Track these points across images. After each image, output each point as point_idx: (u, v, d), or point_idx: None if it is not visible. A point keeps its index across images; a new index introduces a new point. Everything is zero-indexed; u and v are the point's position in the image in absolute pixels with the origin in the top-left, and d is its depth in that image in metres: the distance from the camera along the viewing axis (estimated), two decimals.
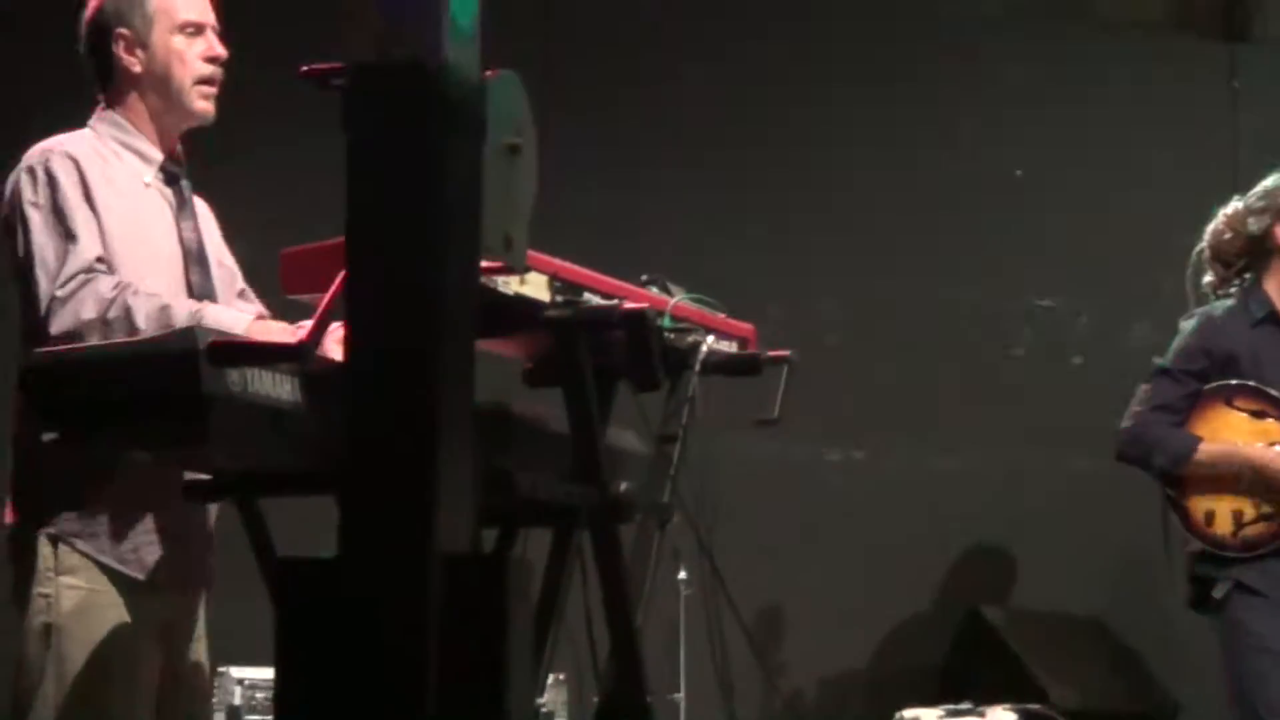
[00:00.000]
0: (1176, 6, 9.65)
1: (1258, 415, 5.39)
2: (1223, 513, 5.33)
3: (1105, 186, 8.49)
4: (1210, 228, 5.65)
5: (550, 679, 5.49)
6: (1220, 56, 8.91)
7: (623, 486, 3.49)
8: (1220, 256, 5.62)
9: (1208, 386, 5.43)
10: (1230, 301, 5.53)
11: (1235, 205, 5.63)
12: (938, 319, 8.14)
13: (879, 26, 8.30)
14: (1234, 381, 5.40)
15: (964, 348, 8.18)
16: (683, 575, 6.40)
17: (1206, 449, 5.35)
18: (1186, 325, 5.53)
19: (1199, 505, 5.36)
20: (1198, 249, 5.68)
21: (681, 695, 6.56)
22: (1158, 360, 5.53)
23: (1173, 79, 8.77)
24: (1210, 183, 8.07)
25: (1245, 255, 5.58)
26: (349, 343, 2.65)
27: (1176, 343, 5.52)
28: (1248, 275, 5.57)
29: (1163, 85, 8.74)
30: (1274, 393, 5.39)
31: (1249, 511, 5.31)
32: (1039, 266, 8.39)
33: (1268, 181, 5.60)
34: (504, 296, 3.38)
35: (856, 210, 8.10)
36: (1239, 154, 8.44)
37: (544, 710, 6.05)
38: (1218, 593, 5.32)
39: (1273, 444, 5.35)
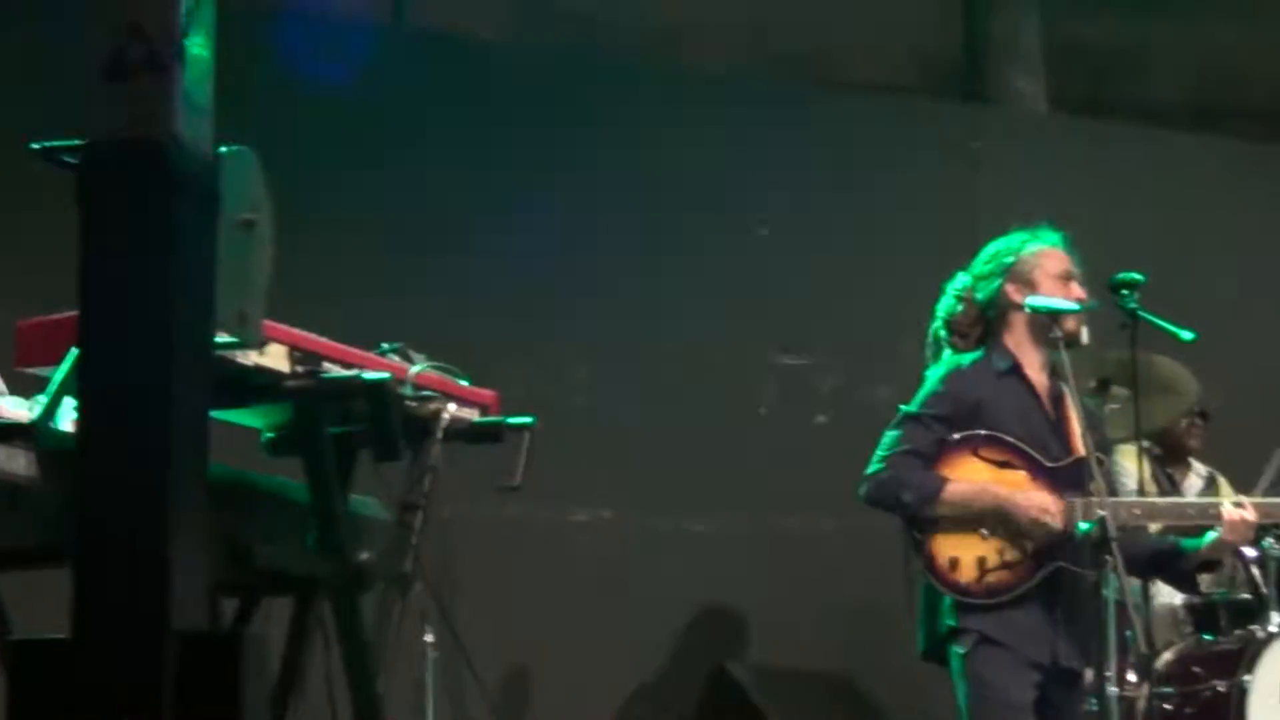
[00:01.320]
0: (920, 68, 9.87)
1: (1002, 465, 5.45)
2: (967, 559, 5.36)
3: (850, 246, 8.61)
4: (941, 306, 5.76)
5: None
6: (962, 117, 9.09)
7: (363, 556, 3.49)
8: (956, 330, 5.72)
9: (954, 436, 5.48)
10: (976, 353, 5.63)
11: (962, 280, 5.75)
12: (683, 379, 8.18)
13: (623, 82, 8.37)
14: (980, 432, 5.47)
15: (711, 407, 8.23)
16: (429, 638, 6.39)
17: (955, 487, 5.38)
18: (934, 373, 5.61)
19: (943, 551, 5.38)
20: (933, 329, 5.78)
21: None
22: (904, 407, 5.59)
23: (916, 139, 8.93)
24: (951, 242, 8.24)
25: (980, 324, 5.69)
26: (81, 418, 2.63)
27: (924, 389, 5.58)
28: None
29: (906, 146, 8.89)
30: (1020, 445, 5.47)
31: (992, 558, 5.35)
32: (785, 325, 8.47)
33: (991, 247, 5.73)
34: (243, 368, 3.37)
35: (602, 271, 8.14)
36: (978, 214, 8.62)
37: None
38: (961, 647, 5.38)
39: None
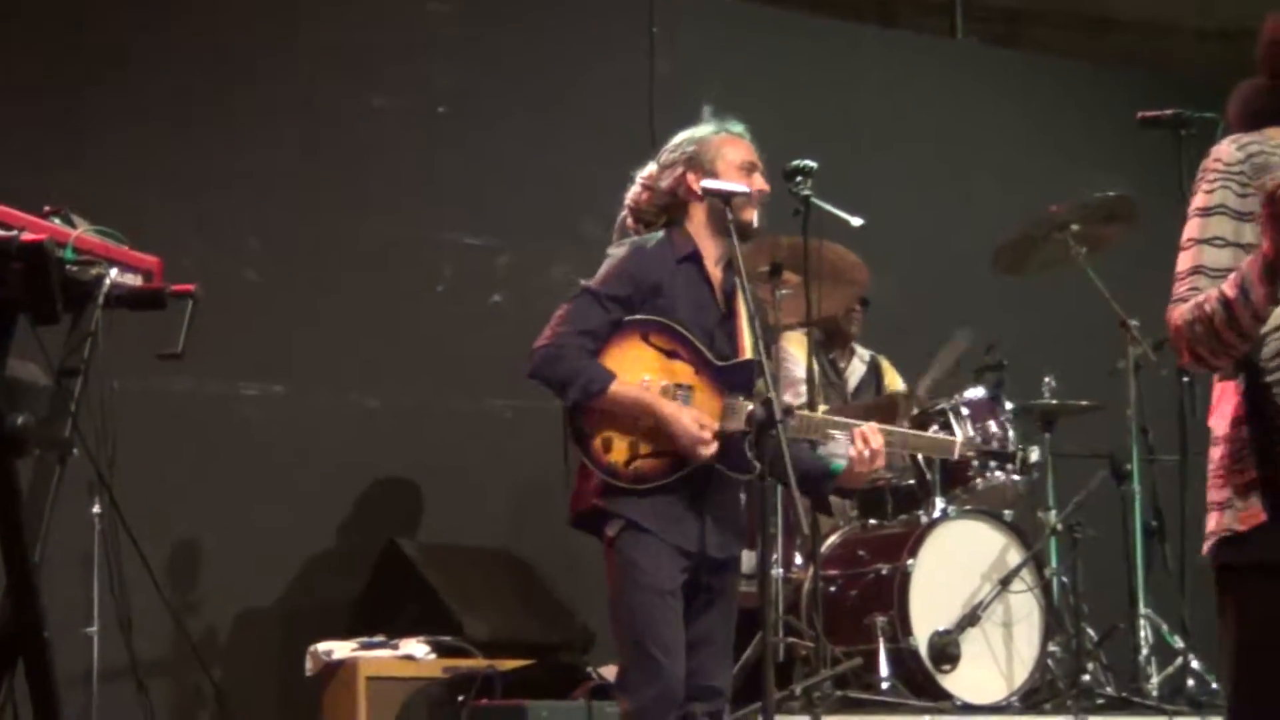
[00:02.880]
0: None
1: (669, 354, 5.44)
2: (620, 443, 5.36)
3: (530, 127, 8.60)
4: (628, 194, 5.75)
5: None
6: (641, 2, 9.10)
7: (19, 419, 3.39)
8: (641, 218, 5.71)
9: (628, 319, 5.48)
10: (660, 234, 5.62)
11: (649, 167, 5.74)
12: (360, 255, 8.12)
13: None
14: (653, 319, 5.46)
15: (386, 283, 8.18)
16: (96, 509, 6.29)
17: (617, 390, 5.34)
18: (616, 251, 5.58)
19: (599, 429, 5.36)
20: (621, 216, 5.77)
21: (95, 629, 6.45)
22: (584, 281, 5.55)
23: (597, 23, 8.92)
24: (629, 125, 8.31)
25: (664, 211, 5.69)
26: None
27: (604, 267, 5.52)
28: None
29: (587, 28, 8.88)
30: (689, 336, 5.48)
31: (644, 445, 5.36)
32: (462, 205, 8.44)
33: (677, 137, 5.73)
34: None
35: (278, 146, 8.03)
36: (656, 99, 8.67)
37: None
38: (610, 529, 5.38)
39: (680, 384, 5.44)
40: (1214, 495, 3.81)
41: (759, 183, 5.60)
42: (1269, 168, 3.80)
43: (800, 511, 5.34)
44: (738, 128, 5.70)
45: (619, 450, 5.36)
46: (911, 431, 6.20)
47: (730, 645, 5.57)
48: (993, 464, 7.12)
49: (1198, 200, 3.84)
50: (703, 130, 5.68)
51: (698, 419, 5.34)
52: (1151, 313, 7.16)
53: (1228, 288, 3.62)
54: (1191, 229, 3.82)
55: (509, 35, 8.65)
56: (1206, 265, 3.76)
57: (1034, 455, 7.16)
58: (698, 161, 5.60)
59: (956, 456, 5.88)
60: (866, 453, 5.46)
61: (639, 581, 5.31)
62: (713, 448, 5.32)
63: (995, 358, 7.43)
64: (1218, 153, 3.86)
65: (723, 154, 5.61)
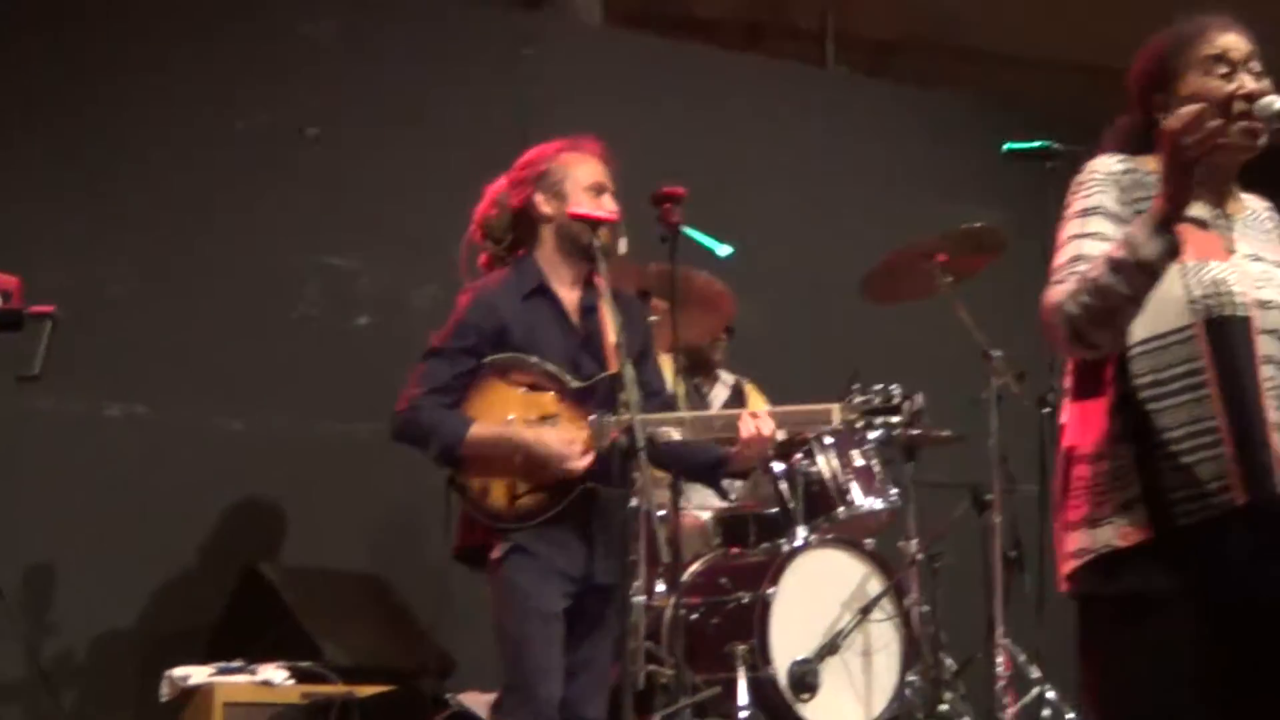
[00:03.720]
0: None
1: (532, 388, 5.47)
2: (498, 487, 5.39)
3: (399, 149, 8.56)
4: (481, 208, 5.75)
5: None
6: (515, 24, 9.09)
7: None
8: (491, 234, 5.72)
9: (484, 361, 5.48)
10: (504, 273, 5.63)
11: (500, 181, 5.74)
12: (227, 275, 8.06)
13: None
14: (506, 356, 5.48)
15: (254, 305, 8.12)
16: None
17: (478, 433, 5.39)
18: (461, 301, 5.60)
19: (476, 479, 5.41)
20: (469, 232, 5.76)
21: None
22: (432, 338, 5.56)
23: (470, 44, 8.91)
24: (500, 148, 8.25)
25: (513, 230, 5.70)
26: None
27: (451, 320, 5.57)
28: (520, 250, 5.70)
29: (460, 50, 8.86)
30: (546, 366, 5.49)
31: (522, 484, 5.39)
32: (331, 227, 8.39)
33: (528, 154, 5.73)
34: None
35: (144, 166, 7.96)
36: (528, 122, 8.65)
37: None
38: (496, 551, 5.40)
39: (546, 416, 5.45)
40: (1081, 513, 3.83)
41: (608, 204, 5.62)
42: (1142, 185, 3.87)
43: (661, 540, 5.35)
44: (589, 147, 5.70)
45: (499, 493, 5.40)
46: (787, 408, 6.17)
47: (608, 674, 5.59)
48: (878, 420, 7.06)
49: (1074, 205, 3.91)
50: (551, 149, 5.68)
51: (564, 436, 5.35)
52: (1015, 344, 7.27)
53: (1114, 250, 3.69)
54: (1070, 228, 3.88)
55: (379, 57, 8.62)
56: (1086, 254, 3.81)
57: (919, 401, 7.17)
58: (547, 182, 5.61)
59: (838, 424, 5.86)
60: (754, 429, 5.49)
61: (520, 604, 5.34)
62: (586, 459, 5.34)
63: (859, 386, 7.44)
64: (1094, 164, 3.95)
65: (572, 174, 5.63)
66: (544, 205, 5.60)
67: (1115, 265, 3.67)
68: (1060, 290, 3.77)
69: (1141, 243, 3.65)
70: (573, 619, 5.45)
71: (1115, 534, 3.77)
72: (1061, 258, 3.85)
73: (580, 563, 5.41)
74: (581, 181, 5.61)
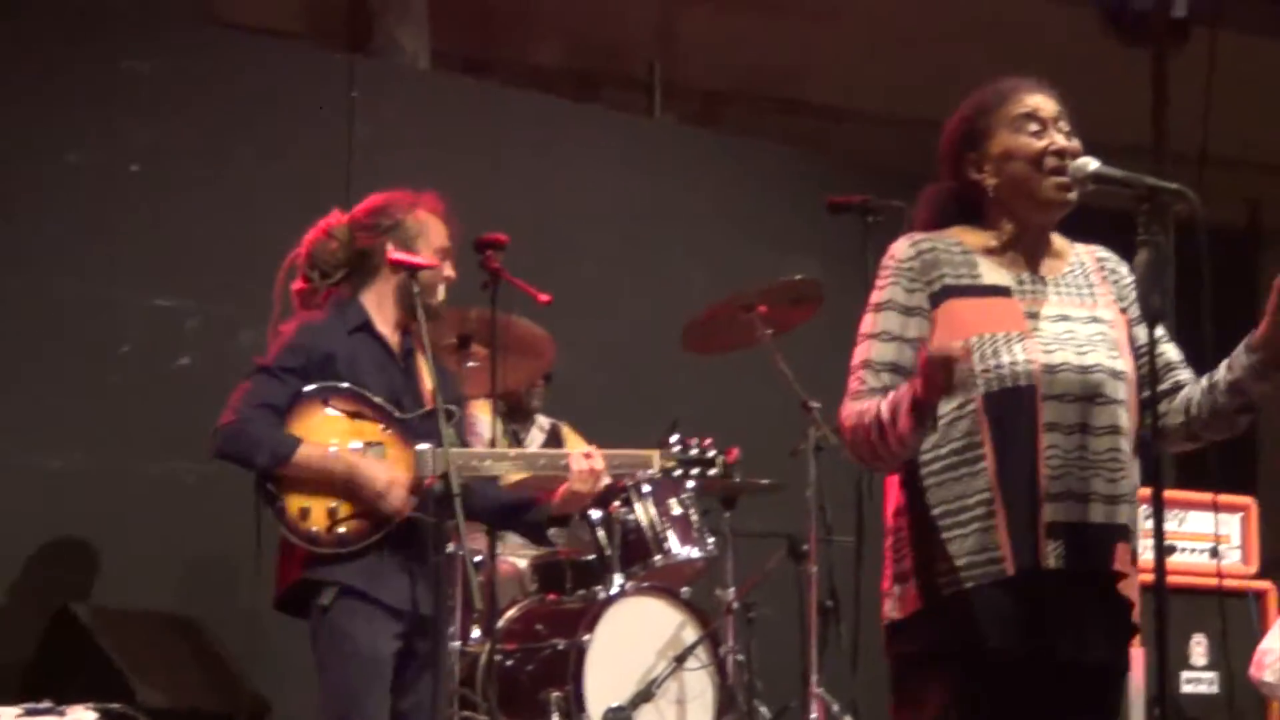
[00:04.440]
0: (306, 14, 9.81)
1: (354, 416, 5.45)
2: (318, 510, 5.35)
3: (225, 188, 8.51)
4: (311, 235, 5.72)
5: None
6: (342, 67, 9.08)
7: None
8: (320, 265, 5.69)
9: (306, 388, 5.47)
10: (326, 311, 5.61)
11: (340, 216, 5.73)
12: (45, 313, 7.96)
13: None
14: (332, 384, 5.46)
15: (71, 343, 8.02)
16: None
17: (306, 453, 5.36)
18: (288, 328, 5.58)
19: (295, 503, 5.36)
20: (294, 253, 5.73)
21: None
22: (257, 359, 5.53)
23: (296, 86, 8.86)
24: (324, 190, 8.24)
25: (347, 267, 5.68)
26: None
27: (277, 343, 5.53)
28: (342, 286, 5.69)
29: (286, 91, 8.81)
30: (371, 396, 5.49)
31: (344, 509, 5.36)
32: (153, 265, 8.31)
33: (380, 199, 5.72)
34: None
35: None
36: (353, 166, 8.64)
37: None
38: (324, 598, 5.36)
39: (369, 443, 5.45)
40: (884, 584, 3.99)
41: (448, 270, 5.66)
42: (939, 264, 3.95)
43: (475, 587, 5.35)
44: (439, 208, 5.72)
45: (318, 517, 5.36)
46: (608, 450, 6.19)
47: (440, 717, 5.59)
48: (695, 471, 7.13)
49: (873, 296, 4.03)
50: (407, 201, 5.68)
51: (388, 473, 5.35)
52: (834, 395, 7.30)
53: (885, 409, 3.82)
54: (865, 324, 4.01)
55: (206, 95, 8.55)
56: (873, 359, 3.95)
57: (735, 456, 7.23)
58: (399, 234, 5.61)
59: (655, 471, 5.89)
60: (586, 469, 5.53)
61: (349, 653, 5.31)
62: (405, 504, 5.34)
63: (679, 435, 7.49)
64: (893, 250, 4.04)
65: (426, 234, 5.65)
66: (393, 255, 5.60)
67: (880, 426, 3.83)
68: (846, 416, 3.95)
69: (900, 417, 3.78)
70: (403, 661, 5.42)
71: (895, 606, 3.93)
72: (855, 359, 4.01)
73: (405, 596, 5.40)
74: (432, 242, 5.64)
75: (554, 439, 8.07)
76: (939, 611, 3.84)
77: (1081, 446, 3.89)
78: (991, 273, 3.99)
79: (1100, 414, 3.91)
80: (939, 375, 3.66)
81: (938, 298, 3.95)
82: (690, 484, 7.32)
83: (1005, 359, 3.88)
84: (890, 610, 3.94)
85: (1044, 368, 3.90)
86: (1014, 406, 3.87)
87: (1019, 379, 3.87)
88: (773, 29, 10.50)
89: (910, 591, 3.89)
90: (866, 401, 3.89)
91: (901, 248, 4.02)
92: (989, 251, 4.01)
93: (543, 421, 8.14)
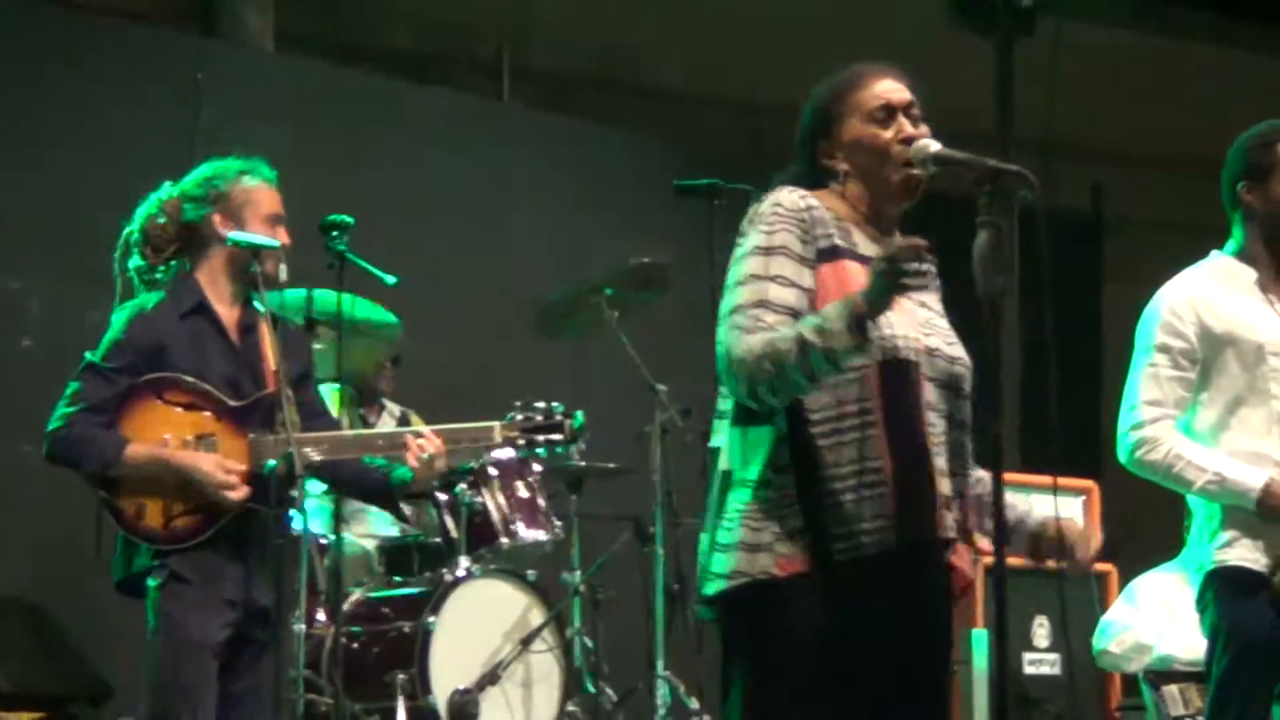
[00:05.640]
0: None
1: (188, 408, 5.39)
2: (153, 507, 5.31)
3: (67, 168, 8.41)
4: (143, 211, 5.64)
5: None
6: (188, 48, 9.00)
7: None
8: (152, 241, 5.61)
9: (139, 381, 5.41)
10: (161, 292, 5.55)
11: (171, 191, 5.66)
12: None
13: None
14: (162, 376, 5.40)
15: None
16: None
17: (133, 451, 5.31)
18: (118, 318, 5.51)
19: (130, 502, 5.32)
20: (127, 231, 5.66)
21: None
22: (87, 355, 5.45)
23: (142, 66, 8.78)
24: (170, 172, 8.16)
25: (179, 242, 5.61)
26: None
27: (107, 337, 5.46)
28: (175, 263, 5.62)
29: (133, 72, 8.74)
30: (204, 385, 5.43)
31: (178, 505, 5.32)
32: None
33: (206, 170, 5.66)
34: None
35: None
36: (197, 147, 8.55)
37: None
38: (153, 579, 5.32)
39: (203, 435, 5.40)
40: (737, 537, 3.84)
41: (282, 235, 5.59)
42: (824, 222, 3.93)
43: (320, 567, 5.32)
44: (270, 174, 5.66)
45: (153, 514, 5.33)
46: (450, 426, 6.16)
47: (275, 702, 5.55)
48: (540, 438, 7.08)
49: (756, 240, 3.91)
50: (233, 171, 5.62)
51: (221, 464, 5.31)
52: (679, 378, 7.38)
53: (808, 333, 3.72)
54: (753, 265, 3.88)
55: (54, 75, 8.46)
56: (772, 300, 3.83)
57: (579, 419, 7.25)
58: (226, 204, 5.55)
59: (499, 440, 5.87)
60: (425, 455, 5.51)
61: (172, 634, 5.28)
62: (242, 491, 5.30)
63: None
64: (778, 198, 3.95)
65: (252, 201, 5.57)
66: (221, 226, 5.54)
67: (805, 348, 3.70)
68: (747, 345, 3.78)
69: (835, 333, 3.69)
70: (235, 647, 5.39)
71: (773, 562, 3.80)
72: (742, 297, 3.86)
73: (239, 587, 5.37)
74: (261, 210, 5.57)
75: (403, 426, 8.04)
76: (830, 577, 3.78)
77: (946, 433, 3.93)
78: (864, 245, 3.98)
79: (962, 407, 3.97)
80: (896, 273, 3.66)
81: (824, 255, 3.91)
82: (540, 451, 7.30)
83: (898, 332, 3.87)
84: (764, 565, 3.81)
85: (925, 349, 3.92)
86: (902, 380, 3.86)
87: (906, 354, 3.87)
88: (624, 12, 10.50)
89: (797, 552, 3.79)
90: (774, 333, 3.78)
91: (788, 197, 3.94)
92: (856, 224, 3.99)
93: (393, 408, 8.10)
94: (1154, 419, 5.03)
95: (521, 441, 5.82)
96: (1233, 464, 4.92)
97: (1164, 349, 5.04)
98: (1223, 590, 4.95)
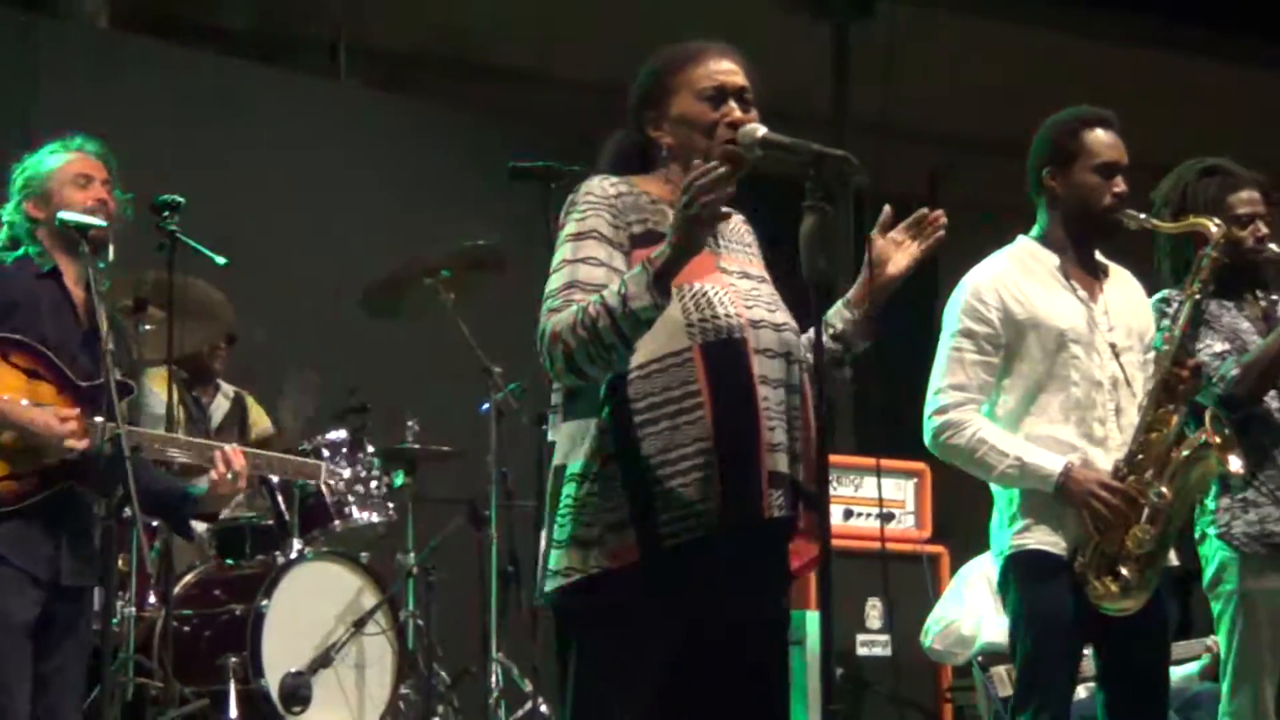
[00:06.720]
0: None
1: (31, 374, 5.32)
2: None
3: None
4: None
5: None
6: (21, 28, 8.88)
7: None
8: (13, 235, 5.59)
9: None
10: (20, 252, 5.48)
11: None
12: None
13: None
14: (12, 337, 5.33)
15: None
16: None
17: None
18: None
19: None
20: None
21: None
22: None
23: None
24: (8, 154, 8.06)
25: (21, 241, 5.56)
26: None
27: None
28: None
29: None
30: (47, 353, 5.36)
31: (3, 468, 5.24)
32: None
33: (18, 167, 5.58)
34: None
35: None
36: (35, 128, 8.43)
37: None
38: None
39: (40, 405, 5.32)
40: (568, 532, 3.85)
41: (97, 191, 5.53)
42: (637, 208, 3.94)
43: (147, 551, 5.27)
44: (80, 144, 5.61)
45: None
46: (277, 455, 6.18)
47: (82, 683, 5.49)
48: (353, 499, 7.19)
49: (569, 228, 3.93)
50: (35, 157, 5.58)
51: (56, 412, 5.24)
52: (514, 360, 7.36)
53: (609, 296, 3.73)
54: (565, 252, 3.90)
55: None
56: (582, 280, 3.84)
57: (399, 480, 7.27)
58: (31, 190, 5.51)
59: (320, 482, 5.88)
60: (229, 474, 5.47)
61: None
62: (84, 440, 5.23)
63: (358, 400, 7.47)
64: (589, 186, 3.97)
65: (55, 176, 5.52)
66: (36, 212, 5.49)
67: (609, 310, 3.71)
68: (558, 321, 3.79)
69: (636, 294, 3.70)
70: (42, 626, 5.30)
71: (605, 555, 3.80)
72: (556, 282, 3.88)
73: (47, 565, 5.27)
74: (68, 173, 5.51)
75: (238, 407, 7.99)
76: (661, 564, 3.78)
77: (784, 402, 3.92)
78: None
79: (793, 372, 3.95)
80: (709, 189, 3.66)
81: (638, 241, 3.92)
82: (371, 449, 7.33)
83: (720, 310, 3.88)
84: (598, 560, 3.80)
85: (750, 322, 3.92)
86: (729, 358, 3.86)
87: (732, 331, 3.87)
88: None
89: (627, 542, 3.78)
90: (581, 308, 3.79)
91: (599, 185, 3.96)
92: (673, 205, 3.97)
93: (227, 389, 8.04)
94: (958, 403, 5.05)
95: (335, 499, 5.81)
96: (1032, 449, 4.96)
97: (968, 334, 5.07)
98: (1022, 574, 5.00)
